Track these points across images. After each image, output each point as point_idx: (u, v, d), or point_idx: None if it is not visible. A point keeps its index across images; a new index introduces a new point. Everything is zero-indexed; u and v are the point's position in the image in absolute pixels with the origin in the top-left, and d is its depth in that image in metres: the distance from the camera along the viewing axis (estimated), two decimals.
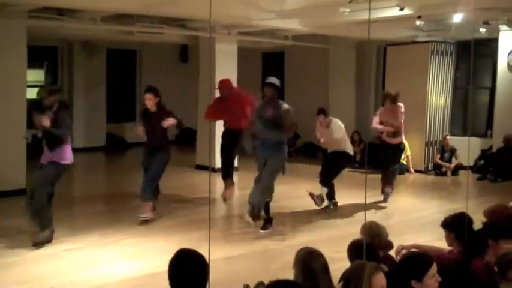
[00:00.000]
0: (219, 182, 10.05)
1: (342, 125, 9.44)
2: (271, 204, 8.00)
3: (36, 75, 17.09)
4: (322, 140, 9.45)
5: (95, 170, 14.29)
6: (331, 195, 9.27)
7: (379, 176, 9.91)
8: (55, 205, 7.17)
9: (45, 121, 6.69)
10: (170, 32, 12.76)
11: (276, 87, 7.85)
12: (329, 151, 9.53)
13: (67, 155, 6.97)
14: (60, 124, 6.81)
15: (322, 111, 9.44)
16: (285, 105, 7.71)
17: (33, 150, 7.82)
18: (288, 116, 7.62)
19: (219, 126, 10.11)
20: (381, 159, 9.97)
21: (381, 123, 9.88)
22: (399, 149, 10.00)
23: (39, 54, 16.33)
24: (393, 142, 9.81)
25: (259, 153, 7.78)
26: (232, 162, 10.02)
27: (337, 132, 9.31)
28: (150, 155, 8.14)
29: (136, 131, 8.35)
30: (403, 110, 9.75)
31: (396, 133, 9.78)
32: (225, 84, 9.70)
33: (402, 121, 9.75)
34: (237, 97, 9.51)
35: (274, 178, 7.72)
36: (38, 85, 17.17)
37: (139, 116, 8.80)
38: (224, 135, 9.73)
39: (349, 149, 9.52)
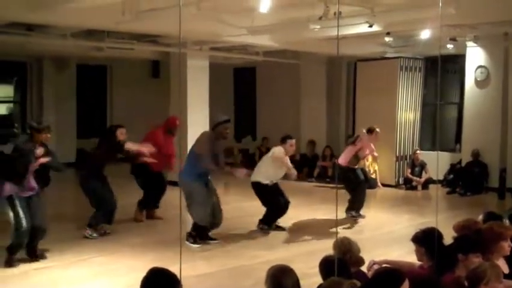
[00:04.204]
0: None
1: None
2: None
3: (5, 91, 16.88)
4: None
5: (64, 186, 14.07)
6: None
7: None
8: None
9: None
10: (141, 47, 12.72)
11: None
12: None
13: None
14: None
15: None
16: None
17: None
18: None
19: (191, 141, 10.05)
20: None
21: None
22: None
23: (8, 69, 16.17)
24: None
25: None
26: None
27: None
28: None
29: None
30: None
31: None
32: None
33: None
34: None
35: None
36: (7, 101, 16.97)
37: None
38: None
39: None
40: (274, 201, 8.73)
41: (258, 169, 8.92)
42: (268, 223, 8.83)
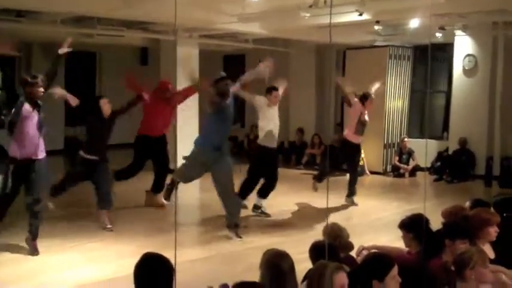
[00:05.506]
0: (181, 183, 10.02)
1: None
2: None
3: None
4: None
5: (53, 173, 14.07)
6: None
7: (339, 177, 10.04)
8: (14, 210, 7.06)
9: None
10: (131, 34, 12.69)
11: None
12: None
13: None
14: None
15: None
16: None
17: None
18: None
19: (183, 129, 10.04)
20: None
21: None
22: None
23: None
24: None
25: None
26: None
27: None
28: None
29: None
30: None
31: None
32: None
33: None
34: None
35: None
36: None
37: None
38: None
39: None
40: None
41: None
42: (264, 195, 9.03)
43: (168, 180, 8.14)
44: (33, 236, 6.78)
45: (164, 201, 8.20)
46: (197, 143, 7.78)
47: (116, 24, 11.83)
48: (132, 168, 9.41)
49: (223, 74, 7.99)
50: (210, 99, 7.65)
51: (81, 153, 7.96)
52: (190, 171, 7.84)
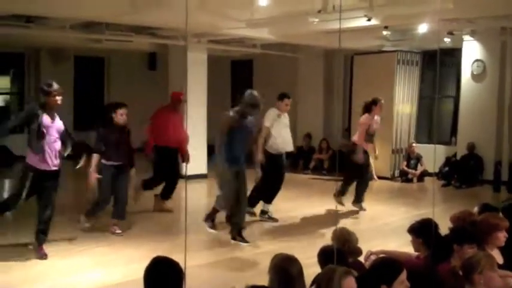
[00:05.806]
0: (190, 188, 10.05)
1: None
2: None
3: (2, 82, 16.89)
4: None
5: (61, 178, 14.11)
6: None
7: None
8: (23, 213, 7.09)
9: None
10: (139, 40, 12.75)
11: None
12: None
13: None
14: None
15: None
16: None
17: None
18: None
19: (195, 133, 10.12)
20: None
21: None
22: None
23: (6, 61, 16.16)
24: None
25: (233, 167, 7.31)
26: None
27: None
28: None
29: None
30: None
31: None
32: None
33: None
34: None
35: None
36: (4, 92, 16.98)
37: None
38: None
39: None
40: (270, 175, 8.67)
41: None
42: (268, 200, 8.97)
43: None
44: (39, 242, 6.81)
45: (211, 230, 7.74)
46: (217, 164, 7.36)
47: (124, 30, 11.89)
48: (155, 181, 9.48)
49: (256, 97, 7.45)
50: (227, 121, 7.29)
51: (103, 161, 7.91)
52: (229, 198, 7.43)
